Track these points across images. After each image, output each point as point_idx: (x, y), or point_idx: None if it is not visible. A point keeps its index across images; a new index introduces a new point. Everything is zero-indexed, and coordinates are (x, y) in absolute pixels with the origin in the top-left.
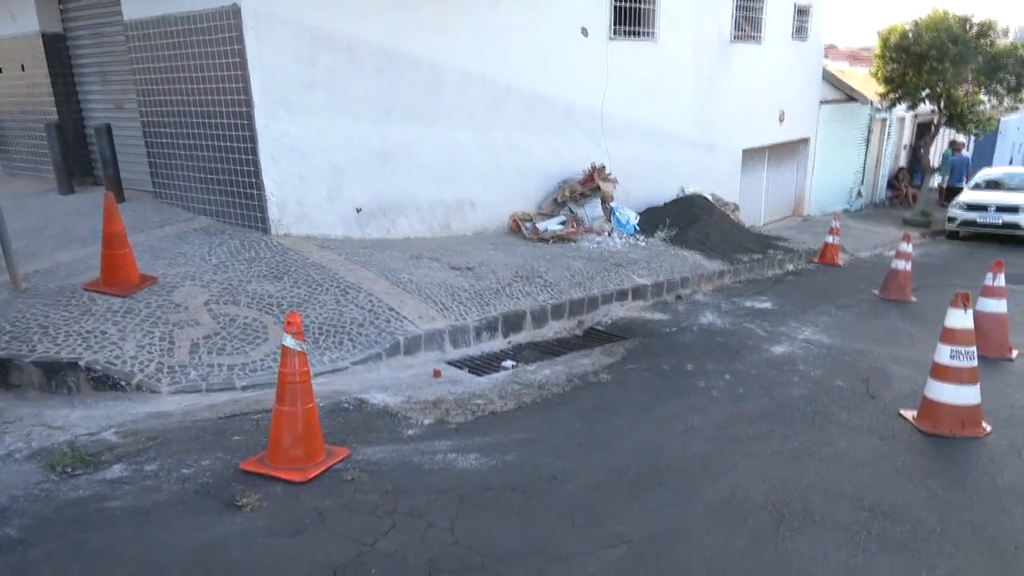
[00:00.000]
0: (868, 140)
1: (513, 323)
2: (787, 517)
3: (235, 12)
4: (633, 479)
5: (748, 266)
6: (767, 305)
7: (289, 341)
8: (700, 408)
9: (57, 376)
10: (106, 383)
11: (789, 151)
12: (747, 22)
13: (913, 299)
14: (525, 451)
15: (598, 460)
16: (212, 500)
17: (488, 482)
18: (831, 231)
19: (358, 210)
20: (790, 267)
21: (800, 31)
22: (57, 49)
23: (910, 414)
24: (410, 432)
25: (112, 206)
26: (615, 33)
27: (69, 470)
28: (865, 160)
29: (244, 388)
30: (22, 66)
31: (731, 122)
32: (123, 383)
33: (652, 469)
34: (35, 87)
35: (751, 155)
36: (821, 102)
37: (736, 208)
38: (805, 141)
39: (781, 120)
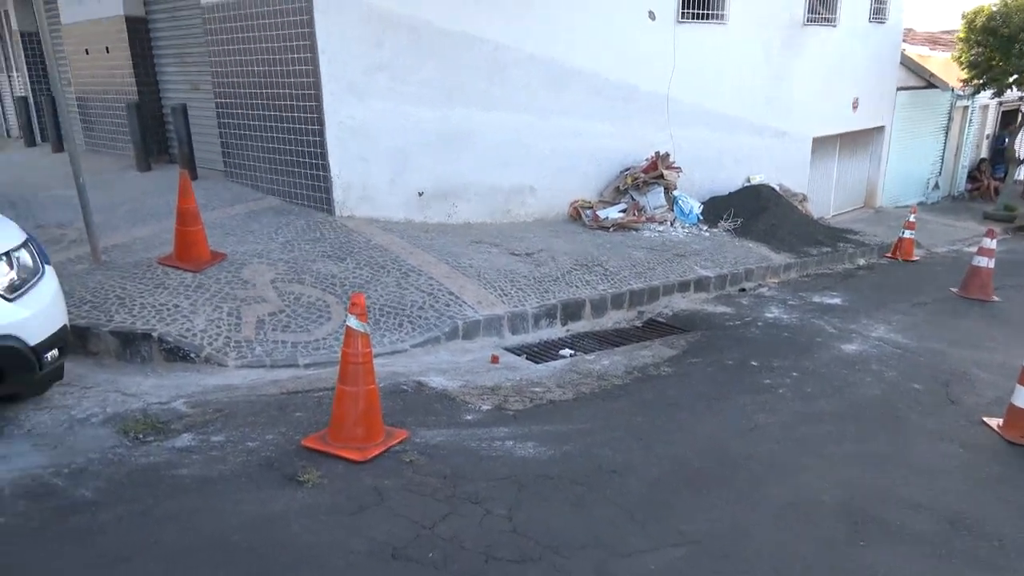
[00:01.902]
0: (947, 129)
1: (572, 311)
2: (860, 524)
3: None
4: (696, 476)
5: (816, 260)
6: (837, 301)
7: (353, 322)
8: (766, 406)
9: (132, 346)
10: (177, 354)
11: (862, 140)
12: (821, 4)
13: (996, 299)
14: (584, 442)
15: (659, 454)
16: (275, 474)
17: (547, 471)
18: (906, 225)
19: (420, 193)
20: (861, 261)
21: (878, 13)
22: (139, 32)
23: (995, 422)
24: (468, 417)
25: (187, 183)
26: (683, 16)
27: (141, 436)
28: (944, 150)
29: (307, 366)
30: (107, 48)
31: (801, 109)
32: (193, 355)
33: (716, 466)
34: (118, 68)
35: (822, 143)
36: (898, 88)
37: (804, 199)
38: (880, 129)
39: (855, 107)
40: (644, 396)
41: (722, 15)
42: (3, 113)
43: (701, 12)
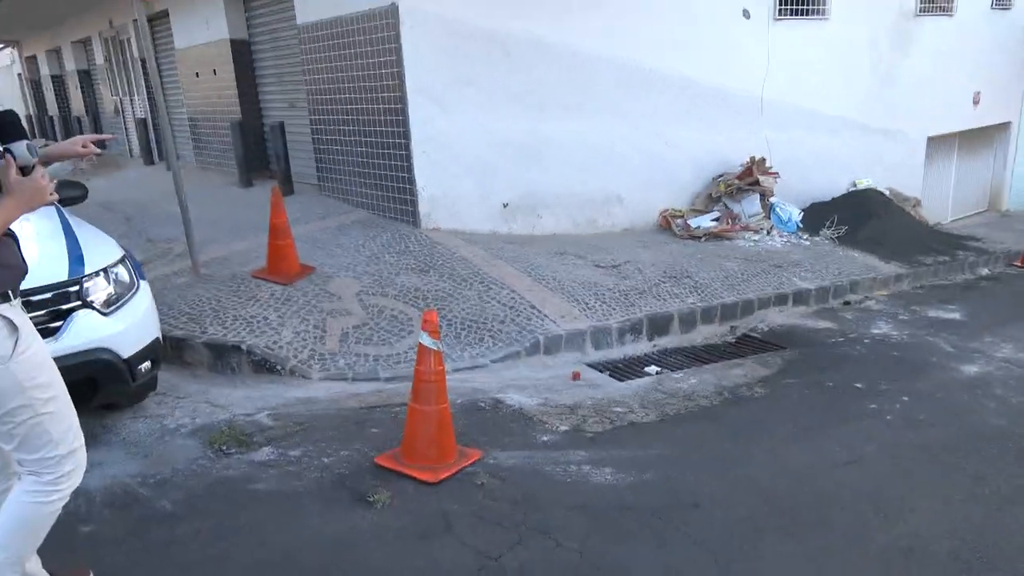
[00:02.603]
0: None
1: (659, 326)
2: None
3: (393, 11)
4: (788, 514)
5: (932, 269)
6: (955, 315)
7: (426, 339)
8: (871, 434)
9: (223, 357)
10: (264, 366)
11: (984, 138)
12: None
13: None
14: (665, 469)
15: (748, 487)
16: (346, 493)
17: (623, 501)
18: None
19: (504, 205)
20: (984, 271)
21: None
22: (242, 54)
23: None
24: (544, 438)
25: (278, 199)
26: (780, 12)
27: (224, 448)
28: None
29: (387, 379)
30: (214, 71)
31: (914, 106)
32: (279, 367)
33: (812, 504)
34: (224, 90)
35: (937, 143)
36: None
37: (917, 203)
38: (1005, 126)
39: (976, 102)
40: (733, 420)
41: (823, 9)
42: (126, 134)
43: (800, 7)
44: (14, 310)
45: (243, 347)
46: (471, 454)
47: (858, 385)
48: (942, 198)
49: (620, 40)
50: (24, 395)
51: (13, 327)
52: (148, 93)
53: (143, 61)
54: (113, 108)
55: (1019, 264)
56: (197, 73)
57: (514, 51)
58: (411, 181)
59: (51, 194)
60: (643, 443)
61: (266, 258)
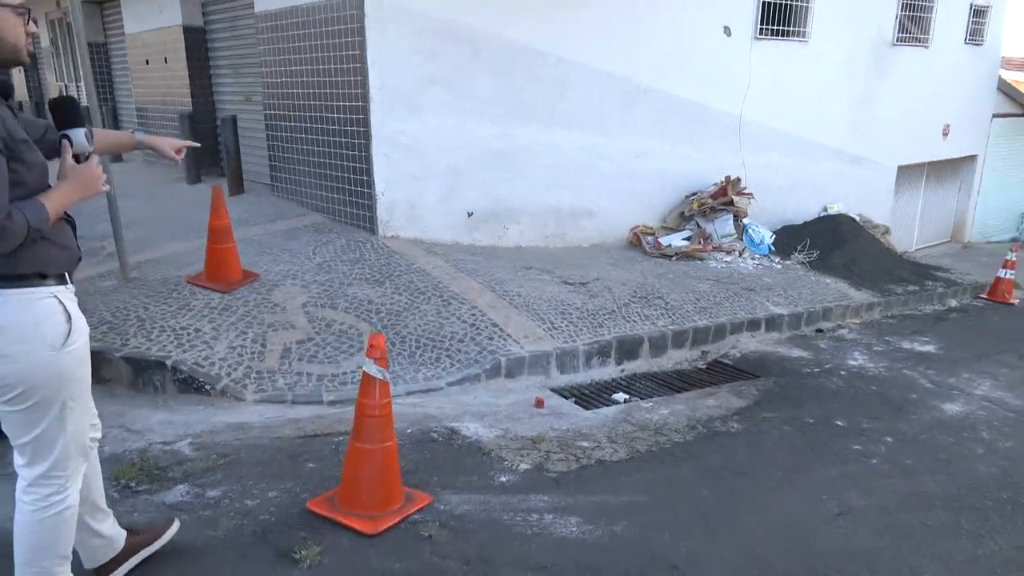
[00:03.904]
0: None
1: (628, 349)
2: None
3: (358, 3)
4: None
5: (902, 299)
6: (930, 348)
7: (371, 368)
8: (858, 482)
9: (144, 374)
10: (191, 385)
11: (952, 169)
12: (913, 22)
13: None
14: (638, 521)
15: (729, 545)
16: (268, 548)
17: (591, 561)
18: (1006, 264)
19: (469, 214)
20: (953, 302)
21: (975, 34)
22: (196, 42)
23: None
24: (503, 479)
25: (218, 198)
26: (761, 32)
27: (133, 485)
28: None
29: (331, 403)
30: (165, 58)
31: (887, 134)
32: (208, 387)
33: (803, 568)
34: (175, 79)
35: (907, 172)
36: (994, 115)
37: (887, 231)
38: (972, 159)
39: (945, 134)
40: (709, 461)
41: (804, 32)
42: None
43: (781, 28)
44: (69, 295)
45: (168, 363)
46: (418, 498)
47: (839, 423)
48: (908, 227)
49: (603, 51)
50: (63, 390)
51: (68, 315)
52: (95, 81)
53: (90, 46)
54: (58, 94)
55: (985, 296)
56: (147, 60)
57: (492, 54)
58: (370, 185)
59: (104, 184)
60: (612, 487)
61: (204, 263)
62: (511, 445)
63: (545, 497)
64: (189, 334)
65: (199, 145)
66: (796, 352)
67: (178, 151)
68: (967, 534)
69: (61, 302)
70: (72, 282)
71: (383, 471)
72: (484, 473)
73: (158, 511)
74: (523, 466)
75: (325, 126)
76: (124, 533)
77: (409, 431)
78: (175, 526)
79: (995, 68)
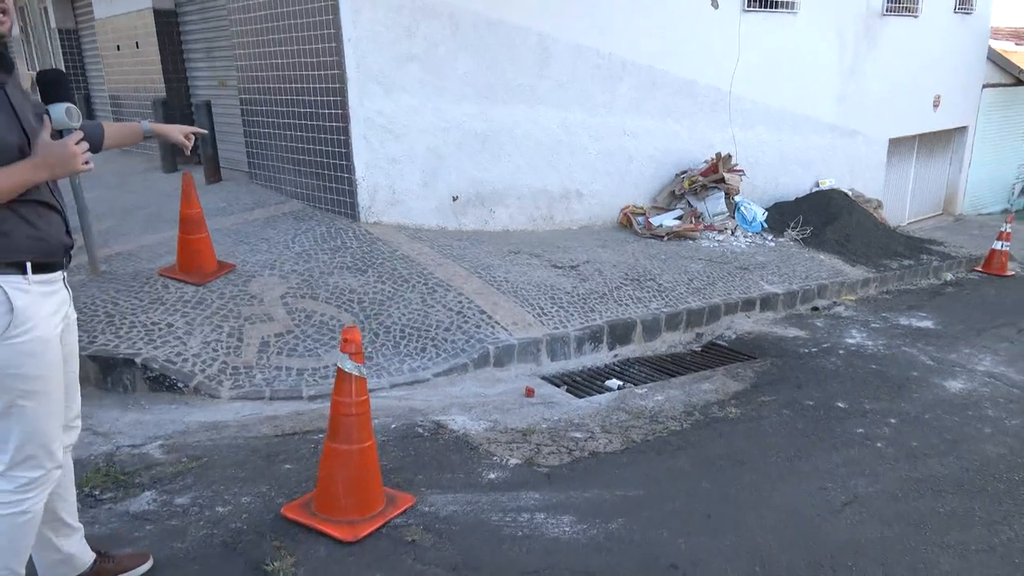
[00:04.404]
0: None
1: (620, 334)
2: None
3: None
4: None
5: (897, 274)
6: (928, 324)
7: (347, 364)
8: (864, 467)
9: (113, 373)
10: (163, 384)
11: (942, 141)
12: None
13: None
14: (635, 517)
15: (733, 542)
16: (238, 560)
17: (587, 565)
18: (1001, 236)
19: (454, 198)
20: (948, 276)
21: (965, 3)
22: (168, 25)
23: None
24: (491, 476)
25: (189, 186)
26: (749, 4)
27: (97, 493)
28: None
29: (311, 398)
30: (136, 43)
31: (878, 107)
32: (181, 385)
33: (809, 564)
34: (147, 64)
35: (898, 145)
36: (984, 86)
37: (879, 205)
38: (962, 130)
39: (936, 105)
40: (707, 450)
41: (792, 3)
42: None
43: (769, 0)
44: (24, 285)
45: (137, 360)
46: (401, 500)
47: (840, 404)
48: (900, 200)
49: (587, 26)
50: (4, 382)
51: (10, 305)
52: (66, 67)
53: (61, 32)
54: (30, 84)
55: (980, 269)
56: (118, 46)
57: (472, 31)
58: (350, 169)
59: (84, 163)
60: (607, 481)
61: (176, 254)
62: (500, 438)
63: (536, 494)
64: (160, 329)
65: (206, 132)
66: (792, 331)
67: (188, 136)
68: (980, 521)
69: (5, 291)
70: (50, 273)
71: (362, 473)
72: (472, 470)
73: (121, 522)
74: (513, 461)
75: (302, 109)
76: (91, 555)
77: (393, 426)
78: (148, 564)
79: (985, 37)
